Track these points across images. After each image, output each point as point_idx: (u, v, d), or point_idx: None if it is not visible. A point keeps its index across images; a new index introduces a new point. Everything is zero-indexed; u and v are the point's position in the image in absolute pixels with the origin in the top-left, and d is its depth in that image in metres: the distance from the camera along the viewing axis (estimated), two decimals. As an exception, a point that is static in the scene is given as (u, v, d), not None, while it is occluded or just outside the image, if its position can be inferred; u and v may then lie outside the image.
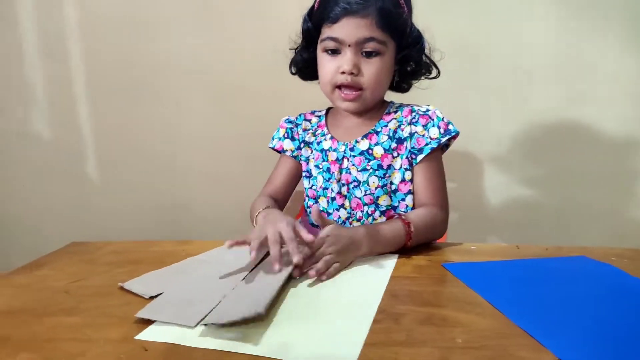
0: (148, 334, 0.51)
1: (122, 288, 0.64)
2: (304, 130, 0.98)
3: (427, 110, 0.89)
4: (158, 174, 1.59)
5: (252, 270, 0.68)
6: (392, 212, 0.88)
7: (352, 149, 0.90)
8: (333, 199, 0.91)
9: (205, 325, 0.52)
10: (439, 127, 0.86)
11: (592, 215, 1.45)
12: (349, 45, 0.82)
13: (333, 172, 0.91)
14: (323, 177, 0.92)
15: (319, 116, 0.99)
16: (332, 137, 0.93)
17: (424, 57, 0.89)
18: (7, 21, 1.52)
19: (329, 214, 0.92)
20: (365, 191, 0.88)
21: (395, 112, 0.91)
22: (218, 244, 0.82)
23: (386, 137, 0.89)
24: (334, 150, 0.91)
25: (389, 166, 0.88)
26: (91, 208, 1.63)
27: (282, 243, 0.67)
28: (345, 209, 0.91)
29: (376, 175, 0.88)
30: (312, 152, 0.95)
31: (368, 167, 0.88)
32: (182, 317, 0.54)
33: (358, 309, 0.56)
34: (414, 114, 0.89)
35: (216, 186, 1.58)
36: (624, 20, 1.33)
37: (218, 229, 1.53)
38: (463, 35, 1.38)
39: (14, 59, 1.55)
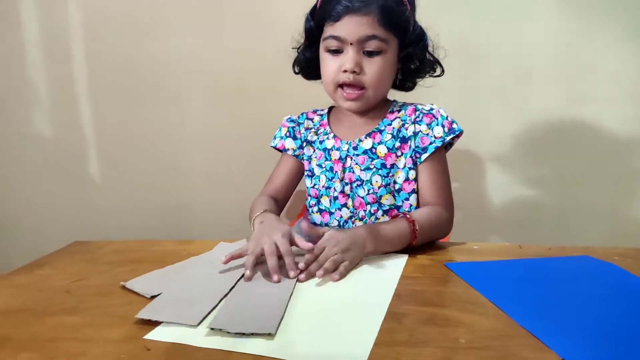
0: (156, 334, 0.51)
1: (123, 287, 0.64)
2: (306, 129, 0.97)
3: (431, 109, 0.88)
4: (159, 174, 1.59)
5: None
6: (396, 211, 0.88)
7: (355, 148, 0.89)
8: (336, 198, 0.91)
9: (212, 329, 0.51)
10: (443, 126, 0.86)
11: (594, 214, 1.45)
12: (351, 44, 0.81)
13: (336, 171, 0.91)
14: (326, 176, 0.92)
15: (322, 115, 0.99)
16: (334, 136, 0.93)
17: (427, 55, 0.88)
18: (10, 21, 1.52)
19: (331, 213, 0.92)
20: (368, 190, 0.88)
21: (399, 110, 0.91)
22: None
23: (390, 136, 0.88)
24: (337, 149, 0.91)
25: (393, 165, 0.88)
26: (93, 208, 1.63)
27: (279, 254, 0.68)
28: (348, 208, 0.90)
29: (379, 175, 0.88)
30: (314, 151, 0.95)
31: (371, 166, 0.88)
32: (183, 317, 0.54)
33: (367, 309, 0.56)
34: (417, 112, 0.89)
35: (217, 186, 1.58)
36: (624, 20, 1.33)
37: (219, 229, 1.53)
38: (464, 35, 1.38)
39: (16, 59, 1.55)
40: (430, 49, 0.88)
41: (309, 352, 0.47)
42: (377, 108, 0.92)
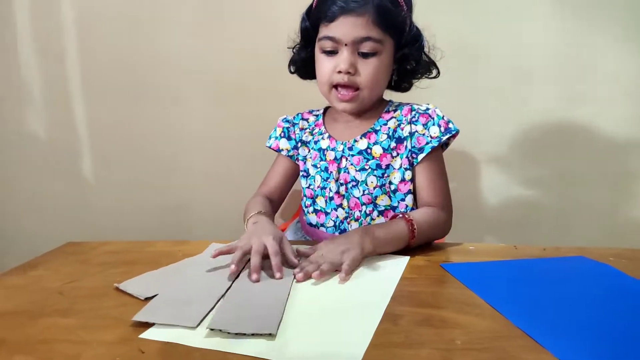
0: (150, 334, 0.51)
1: (117, 289, 0.64)
2: (301, 129, 0.97)
3: (427, 109, 0.88)
4: (156, 173, 1.58)
5: (244, 268, 0.68)
6: (392, 212, 0.88)
7: (350, 148, 0.89)
8: (331, 198, 0.91)
9: (212, 329, 0.51)
10: (439, 126, 0.86)
11: (590, 215, 1.45)
12: (346, 45, 0.81)
13: (331, 172, 0.90)
14: (321, 176, 0.92)
15: (317, 115, 0.98)
16: (330, 136, 0.93)
17: (423, 56, 0.88)
18: (4, 20, 1.51)
19: (327, 213, 0.92)
20: (364, 191, 0.88)
21: (395, 110, 0.91)
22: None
23: (385, 136, 0.88)
24: (332, 149, 0.91)
25: (388, 166, 0.88)
26: (88, 208, 1.62)
27: (265, 254, 0.68)
28: (344, 208, 0.90)
29: (374, 175, 0.87)
30: (309, 151, 0.95)
31: (366, 167, 0.88)
32: (181, 318, 0.53)
33: (365, 309, 0.56)
34: (413, 112, 0.89)
35: (216, 186, 1.57)
36: (623, 20, 1.33)
37: (218, 229, 1.52)
38: (462, 35, 1.38)
39: (9, 58, 1.53)
40: (426, 49, 0.88)
41: (305, 353, 0.47)
42: (372, 108, 0.91)
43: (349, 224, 0.90)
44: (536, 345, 0.47)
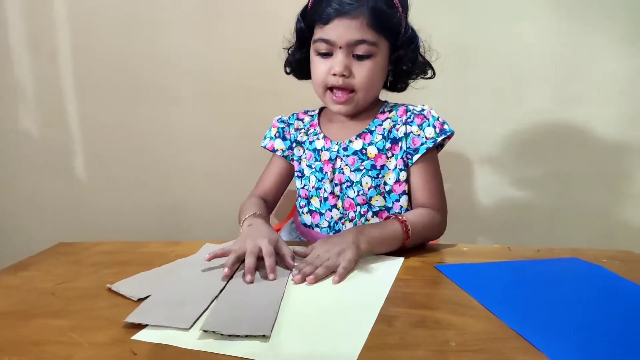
0: (143, 335, 0.50)
1: (110, 290, 0.63)
2: (296, 129, 0.97)
3: (422, 110, 0.89)
4: (152, 173, 1.57)
5: (238, 269, 0.68)
6: (386, 213, 0.88)
7: (345, 149, 0.89)
8: (325, 199, 0.91)
9: (205, 331, 0.50)
10: (434, 127, 0.86)
11: (584, 216, 1.46)
12: (340, 47, 0.81)
13: (326, 172, 0.90)
14: (316, 177, 0.92)
15: (312, 115, 0.98)
16: (325, 137, 0.93)
17: (419, 57, 0.88)
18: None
19: (321, 214, 0.92)
20: (358, 191, 0.88)
21: (390, 111, 0.91)
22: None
23: (380, 137, 0.88)
24: (327, 149, 0.91)
25: (383, 166, 0.88)
26: (82, 207, 1.61)
27: (260, 256, 0.68)
28: (338, 209, 0.90)
29: (369, 176, 0.87)
30: (304, 151, 0.94)
31: (361, 167, 0.88)
32: (174, 320, 0.53)
33: (359, 310, 0.56)
34: (409, 113, 0.89)
35: (212, 185, 1.56)
36: (618, 21, 1.34)
37: (216, 229, 1.50)
38: (457, 35, 1.38)
39: (1, 56, 1.52)
40: (421, 50, 0.88)
41: (299, 353, 0.47)
42: (367, 109, 0.91)
43: (343, 224, 0.90)
44: (530, 346, 0.47)
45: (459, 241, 0.83)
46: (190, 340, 0.49)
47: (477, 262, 0.72)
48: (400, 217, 0.78)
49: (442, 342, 0.48)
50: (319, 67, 0.85)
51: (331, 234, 0.91)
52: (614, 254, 0.75)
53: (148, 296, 0.60)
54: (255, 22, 1.44)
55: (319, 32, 0.83)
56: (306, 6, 0.87)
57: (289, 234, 1.01)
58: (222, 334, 0.49)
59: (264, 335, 0.49)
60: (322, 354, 0.46)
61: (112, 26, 1.48)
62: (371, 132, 0.89)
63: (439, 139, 0.86)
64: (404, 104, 0.92)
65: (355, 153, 0.88)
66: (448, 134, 0.86)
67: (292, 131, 0.97)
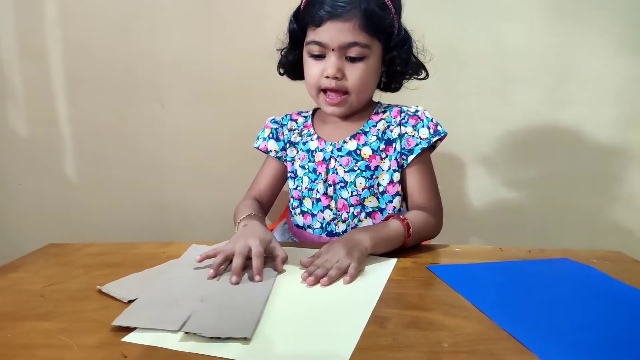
0: (132, 338, 0.50)
1: (100, 292, 0.62)
2: (290, 130, 0.97)
3: (417, 111, 0.89)
4: (143, 173, 1.56)
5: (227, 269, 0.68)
6: (379, 213, 0.88)
7: (339, 149, 0.89)
8: (318, 199, 0.90)
9: (187, 333, 0.50)
10: (428, 128, 0.87)
11: (575, 217, 1.47)
12: (333, 50, 0.81)
13: (320, 173, 0.90)
14: (309, 177, 0.91)
15: (306, 116, 0.98)
16: (318, 138, 0.92)
17: (412, 58, 0.88)
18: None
19: (313, 215, 0.91)
20: (352, 192, 0.88)
21: (384, 112, 0.91)
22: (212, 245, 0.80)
23: (375, 138, 0.88)
24: (321, 150, 0.91)
25: (377, 167, 0.88)
26: (72, 208, 1.59)
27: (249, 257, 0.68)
28: (331, 210, 0.90)
29: (363, 176, 0.87)
30: (297, 152, 0.94)
31: (355, 168, 0.88)
32: (162, 322, 0.52)
33: (352, 311, 0.56)
34: (403, 114, 0.89)
35: (205, 186, 1.55)
36: (611, 21, 1.35)
37: (209, 230, 1.50)
38: (450, 36, 1.38)
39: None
40: (415, 51, 0.89)
41: (290, 354, 0.46)
42: (361, 110, 0.91)
43: (336, 225, 0.90)
44: (522, 347, 0.47)
45: (451, 242, 0.83)
46: (180, 342, 0.49)
47: (469, 263, 0.72)
48: (401, 217, 0.78)
49: (435, 343, 0.48)
50: (312, 69, 0.85)
51: (323, 235, 0.91)
52: (604, 255, 0.75)
53: (137, 298, 0.59)
54: (249, 21, 1.43)
55: (312, 35, 0.83)
56: (299, 7, 0.87)
57: (281, 235, 1.01)
58: (203, 337, 0.49)
59: (245, 338, 0.49)
60: (314, 355, 0.46)
61: (102, 26, 1.47)
62: (365, 133, 0.89)
63: (433, 140, 0.86)
64: (397, 105, 0.92)
65: (349, 153, 0.88)
66: (442, 135, 0.87)
67: (286, 132, 0.97)
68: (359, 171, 0.88)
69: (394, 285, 0.64)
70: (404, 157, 0.87)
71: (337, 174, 0.89)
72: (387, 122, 0.89)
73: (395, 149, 0.88)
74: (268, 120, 0.99)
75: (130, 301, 0.59)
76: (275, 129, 0.97)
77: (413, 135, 0.87)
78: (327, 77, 0.82)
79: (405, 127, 0.88)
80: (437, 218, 0.86)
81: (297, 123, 0.97)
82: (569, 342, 0.48)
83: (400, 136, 0.88)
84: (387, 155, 0.88)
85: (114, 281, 0.65)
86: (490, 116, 1.44)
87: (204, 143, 1.53)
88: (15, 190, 1.59)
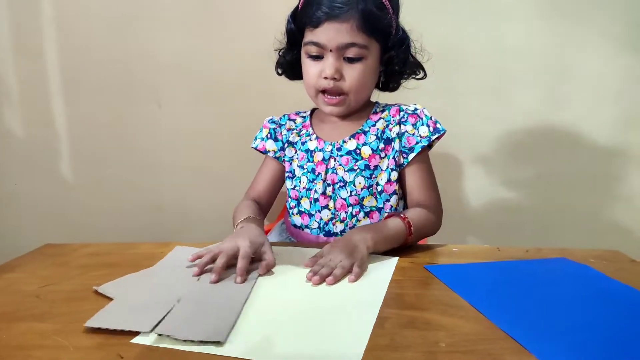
0: (139, 339, 0.49)
1: (96, 292, 0.62)
2: (288, 130, 0.96)
3: (416, 109, 0.89)
4: (140, 173, 1.55)
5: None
6: (377, 213, 0.88)
7: (339, 149, 0.89)
8: (316, 199, 0.90)
9: (160, 335, 0.50)
10: (428, 126, 0.87)
11: (572, 217, 1.47)
12: (331, 50, 0.81)
13: (319, 173, 0.90)
14: (307, 177, 0.91)
15: (304, 116, 0.98)
16: (317, 138, 0.92)
17: (410, 58, 0.88)
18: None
19: (311, 215, 0.91)
20: (351, 192, 0.88)
21: (382, 111, 0.92)
22: (199, 246, 0.80)
23: (374, 138, 0.88)
24: (320, 150, 0.91)
25: (376, 167, 0.88)
26: (69, 208, 1.59)
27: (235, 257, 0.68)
28: (330, 209, 0.90)
29: (363, 176, 0.87)
30: (296, 152, 0.94)
31: (355, 167, 0.88)
32: (134, 323, 0.51)
33: (359, 311, 0.56)
34: (402, 113, 0.89)
35: (203, 186, 1.55)
36: (610, 21, 1.35)
37: (207, 230, 1.50)
38: (447, 37, 1.39)
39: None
40: (413, 51, 0.89)
41: (300, 354, 0.46)
42: (360, 110, 0.92)
43: (334, 225, 0.90)
44: (520, 347, 0.47)
45: (449, 241, 0.83)
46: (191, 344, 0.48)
47: (467, 263, 0.72)
48: (402, 215, 0.79)
49: (432, 343, 0.48)
50: (310, 69, 0.85)
51: (321, 235, 0.90)
52: (601, 254, 0.75)
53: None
54: (249, 21, 1.43)
55: (310, 35, 0.82)
56: (296, 8, 0.87)
57: (279, 235, 1.01)
58: (176, 339, 0.49)
59: (218, 342, 0.48)
60: (325, 355, 0.46)
61: (99, 25, 1.46)
62: (365, 132, 0.89)
63: (433, 138, 0.87)
64: (396, 104, 0.92)
65: (349, 153, 0.88)
66: (441, 132, 0.87)
67: (284, 132, 0.96)
68: (358, 170, 0.88)
69: (391, 285, 0.64)
70: (404, 155, 0.87)
71: (336, 173, 0.89)
72: (386, 121, 0.90)
73: (393, 148, 0.88)
74: (266, 120, 0.99)
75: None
76: (274, 129, 0.97)
77: (413, 134, 0.87)
78: (326, 77, 0.82)
79: (405, 125, 0.88)
80: (437, 215, 0.87)
81: (295, 123, 0.97)
82: (566, 341, 0.48)
83: (400, 135, 0.88)
84: (386, 155, 0.88)
85: (110, 282, 0.65)
86: (489, 116, 1.44)
87: (203, 143, 1.53)
88: (12, 190, 1.58)
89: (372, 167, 0.88)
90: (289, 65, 0.92)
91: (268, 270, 0.68)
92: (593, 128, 1.42)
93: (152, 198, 1.57)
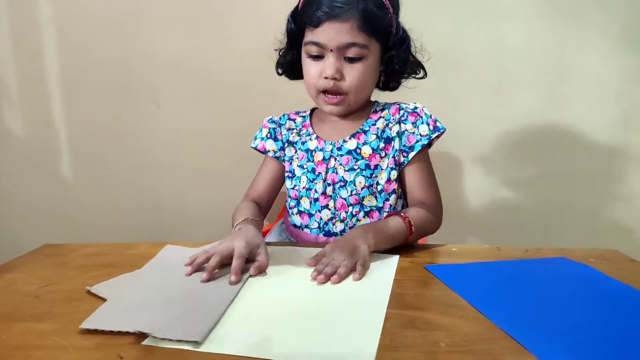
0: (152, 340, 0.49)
1: (90, 292, 0.62)
2: (288, 129, 0.96)
3: (415, 108, 0.90)
4: (140, 173, 1.55)
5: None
6: (377, 212, 0.88)
7: (339, 149, 0.89)
8: (316, 199, 0.90)
9: (143, 333, 0.50)
10: (428, 124, 0.87)
11: (572, 216, 1.47)
12: (331, 50, 0.81)
13: (319, 173, 0.90)
14: (307, 177, 0.91)
15: (304, 116, 0.98)
16: (317, 137, 0.92)
17: (410, 57, 0.88)
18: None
19: (311, 215, 0.91)
20: (351, 191, 0.88)
21: (382, 110, 0.92)
22: (196, 246, 0.80)
23: (374, 137, 0.89)
24: (321, 149, 0.91)
25: (376, 166, 0.88)
26: (68, 208, 1.59)
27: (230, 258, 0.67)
28: (330, 209, 0.90)
29: (363, 175, 0.87)
30: (296, 151, 0.94)
31: (355, 167, 0.88)
32: (126, 324, 0.51)
33: (366, 310, 0.56)
34: (402, 111, 0.89)
35: (202, 185, 1.55)
36: (610, 21, 1.35)
37: (207, 230, 1.49)
38: (448, 37, 1.39)
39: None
40: (413, 50, 0.89)
41: (310, 354, 0.46)
42: (360, 109, 0.92)
43: (334, 225, 0.89)
44: (520, 347, 0.47)
45: (449, 241, 0.83)
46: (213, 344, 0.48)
47: (467, 263, 0.72)
48: (402, 214, 0.79)
49: (432, 343, 0.48)
50: (311, 69, 0.85)
51: (321, 235, 0.90)
52: (601, 254, 0.75)
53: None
54: (249, 21, 1.43)
55: (310, 35, 0.82)
56: (296, 7, 0.87)
57: (278, 234, 1.01)
58: (155, 337, 0.49)
59: (195, 342, 0.48)
60: (338, 355, 0.46)
61: (99, 25, 1.46)
62: (365, 132, 0.89)
63: (433, 136, 0.87)
64: (395, 103, 0.93)
65: (349, 152, 0.88)
66: (441, 131, 0.88)
67: (284, 131, 0.96)
68: (358, 170, 0.88)
69: (391, 284, 0.64)
70: (404, 154, 0.88)
71: (336, 173, 0.89)
72: (386, 120, 0.90)
73: (393, 147, 0.88)
74: (265, 120, 0.99)
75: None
76: (273, 128, 0.97)
77: (413, 132, 0.87)
78: (326, 77, 0.82)
79: (405, 124, 0.88)
80: (438, 214, 0.87)
81: (295, 123, 0.97)
82: (566, 341, 0.48)
83: (400, 134, 0.88)
84: (386, 154, 0.88)
85: (103, 282, 0.65)
86: (489, 116, 1.44)
87: (203, 143, 1.53)
88: (11, 190, 1.58)
89: (372, 167, 0.88)
90: (289, 65, 0.92)
91: (260, 272, 0.67)
92: (593, 128, 1.42)
93: (152, 198, 1.57)
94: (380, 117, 0.90)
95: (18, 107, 1.53)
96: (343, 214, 0.89)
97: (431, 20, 1.35)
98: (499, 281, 0.65)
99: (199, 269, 0.67)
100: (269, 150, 0.96)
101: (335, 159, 0.89)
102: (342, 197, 0.89)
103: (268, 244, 0.76)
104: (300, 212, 0.93)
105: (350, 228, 0.87)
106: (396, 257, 0.74)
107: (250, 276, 0.66)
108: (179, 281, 0.64)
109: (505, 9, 1.38)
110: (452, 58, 1.39)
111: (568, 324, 0.52)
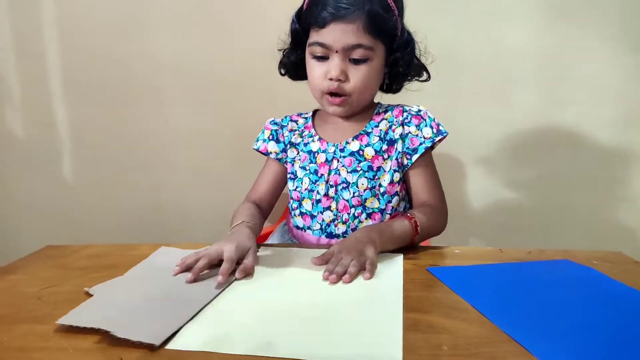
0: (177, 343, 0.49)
1: (87, 294, 0.62)
2: (291, 130, 0.96)
3: (419, 111, 0.90)
4: (141, 174, 1.56)
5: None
6: (379, 214, 0.88)
7: (342, 150, 0.89)
8: (318, 201, 0.90)
9: (104, 330, 0.50)
10: (431, 127, 0.87)
11: (575, 218, 1.47)
12: (336, 51, 0.81)
13: (322, 174, 0.90)
14: (309, 179, 0.91)
15: (306, 118, 0.98)
16: (320, 139, 0.92)
17: (414, 60, 0.88)
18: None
19: (313, 216, 0.91)
20: (354, 193, 0.88)
21: (385, 112, 0.92)
22: (195, 247, 0.79)
23: (377, 139, 0.88)
24: (323, 151, 0.90)
25: (379, 168, 0.88)
26: (70, 209, 1.59)
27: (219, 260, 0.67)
28: (332, 211, 0.89)
29: (366, 177, 0.87)
30: (298, 153, 0.94)
31: (358, 169, 0.88)
32: (96, 322, 0.52)
33: (383, 311, 0.55)
34: (405, 114, 0.89)
35: (203, 186, 1.55)
36: (609, 21, 1.35)
37: (207, 230, 1.49)
38: (449, 38, 1.38)
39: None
40: (417, 53, 0.88)
41: (337, 355, 0.46)
42: (363, 111, 0.91)
43: (336, 226, 0.89)
44: (523, 350, 0.46)
45: (451, 243, 0.83)
46: (234, 344, 0.48)
47: (469, 265, 0.72)
48: (408, 215, 0.79)
49: (435, 346, 0.47)
50: (315, 70, 0.84)
51: (323, 236, 0.90)
52: (604, 255, 0.75)
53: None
54: (249, 21, 1.43)
55: (315, 36, 0.82)
56: (301, 7, 0.86)
57: (281, 236, 1.01)
58: (116, 337, 0.49)
59: (152, 345, 0.47)
60: (365, 356, 0.46)
61: (100, 26, 1.47)
62: (368, 133, 0.89)
63: (436, 139, 0.87)
64: (399, 105, 0.92)
65: (352, 154, 0.88)
66: (444, 135, 0.88)
67: (286, 133, 0.96)
68: (361, 172, 0.87)
69: (393, 287, 0.64)
70: (408, 156, 0.87)
71: (339, 174, 0.88)
72: (389, 122, 0.89)
73: (396, 149, 0.87)
74: (267, 121, 0.99)
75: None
76: (275, 130, 0.97)
77: (417, 135, 0.87)
78: (331, 79, 0.82)
79: (409, 126, 0.88)
80: (443, 215, 0.87)
81: (297, 124, 0.97)
82: (570, 344, 0.47)
83: (403, 136, 0.88)
84: (389, 156, 0.88)
85: (100, 284, 0.65)
86: (490, 117, 1.44)
87: (203, 143, 1.53)
88: (12, 190, 1.58)
89: (375, 169, 0.88)
90: (293, 65, 0.92)
91: (246, 275, 0.67)
92: (594, 128, 1.42)
93: (152, 198, 1.57)
94: (383, 119, 0.90)
95: (19, 107, 1.53)
96: (345, 216, 0.89)
97: (432, 23, 1.35)
98: (502, 283, 0.65)
99: (187, 270, 0.67)
100: (271, 152, 0.96)
101: (338, 161, 0.89)
102: (344, 199, 0.88)
103: (270, 245, 0.76)
104: (302, 214, 0.93)
105: (352, 230, 0.87)
106: (400, 257, 0.74)
107: (236, 279, 0.66)
108: (163, 282, 0.64)
109: (505, 9, 1.37)
110: (453, 60, 1.39)
111: (571, 326, 0.52)
